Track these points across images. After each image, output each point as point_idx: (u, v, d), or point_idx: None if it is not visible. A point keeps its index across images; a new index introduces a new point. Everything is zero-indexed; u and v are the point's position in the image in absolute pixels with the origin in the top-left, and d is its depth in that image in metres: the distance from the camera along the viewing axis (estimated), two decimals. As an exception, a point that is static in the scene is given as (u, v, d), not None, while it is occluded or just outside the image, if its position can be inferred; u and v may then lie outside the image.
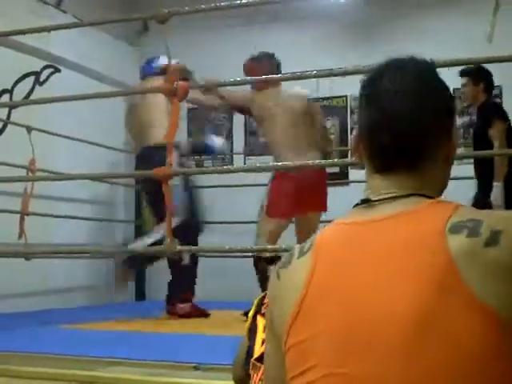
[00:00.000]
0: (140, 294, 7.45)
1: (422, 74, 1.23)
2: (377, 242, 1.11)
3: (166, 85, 3.50)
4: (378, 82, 1.23)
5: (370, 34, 7.04)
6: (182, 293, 5.24)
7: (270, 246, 4.25)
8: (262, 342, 1.81)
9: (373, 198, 1.19)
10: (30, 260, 5.19)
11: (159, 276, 6.98)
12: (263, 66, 4.92)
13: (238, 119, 7.57)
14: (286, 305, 1.15)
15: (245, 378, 1.98)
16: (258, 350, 1.82)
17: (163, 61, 5.01)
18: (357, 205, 1.22)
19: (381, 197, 1.18)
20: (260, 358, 1.78)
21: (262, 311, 1.86)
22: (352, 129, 7.24)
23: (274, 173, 4.85)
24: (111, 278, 7.30)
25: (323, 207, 5.01)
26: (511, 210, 1.17)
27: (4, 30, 4.77)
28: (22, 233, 5.33)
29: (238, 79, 4.25)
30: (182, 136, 7.28)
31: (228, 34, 7.47)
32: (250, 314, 1.90)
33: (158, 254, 4.28)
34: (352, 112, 7.24)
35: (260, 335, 1.85)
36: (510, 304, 1.01)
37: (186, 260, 4.98)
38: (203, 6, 3.89)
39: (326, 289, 1.12)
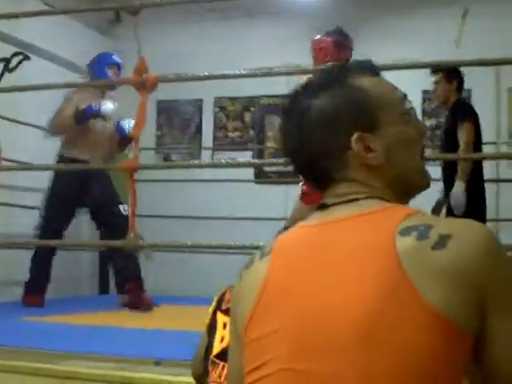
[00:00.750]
0: (104, 288, 7.39)
1: (323, 93, 1.25)
2: (330, 244, 1.13)
3: (135, 77, 3.46)
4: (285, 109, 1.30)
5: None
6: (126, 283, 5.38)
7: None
8: (222, 339, 1.84)
9: (329, 203, 1.21)
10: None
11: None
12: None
13: (208, 114, 7.56)
14: (245, 303, 1.18)
15: (203, 374, 1.98)
16: (217, 346, 1.83)
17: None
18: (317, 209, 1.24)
19: (337, 200, 1.21)
20: (219, 355, 1.78)
21: (222, 307, 1.88)
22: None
23: None
24: (76, 271, 7.26)
25: None
26: (467, 218, 1.17)
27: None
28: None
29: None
30: (150, 129, 7.28)
31: (203, 27, 7.43)
32: (210, 309, 1.91)
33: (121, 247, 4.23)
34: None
35: (219, 332, 1.86)
36: (463, 313, 1.02)
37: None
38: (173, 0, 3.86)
39: (281, 288, 1.14)
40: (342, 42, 4.67)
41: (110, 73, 5.72)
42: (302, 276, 1.13)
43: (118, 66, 5.82)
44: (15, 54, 6.56)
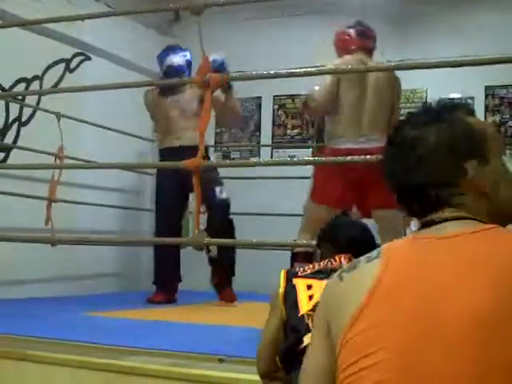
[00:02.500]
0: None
1: (431, 123, 1.34)
2: (448, 254, 1.21)
3: (199, 77, 3.48)
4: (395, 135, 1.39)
5: (397, 30, 6.99)
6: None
7: (303, 241, 4.08)
8: (310, 297, 2.01)
9: (437, 220, 1.30)
10: (55, 246, 5.22)
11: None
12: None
13: (266, 111, 7.56)
14: (349, 305, 1.22)
15: (270, 364, 2.02)
16: (305, 304, 2.00)
17: None
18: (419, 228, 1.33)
19: (443, 217, 1.30)
20: (313, 310, 1.89)
21: (299, 274, 2.10)
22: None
23: (325, 148, 4.55)
24: (137, 265, 7.35)
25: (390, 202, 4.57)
26: None
27: (38, 17, 4.78)
28: (48, 219, 5.35)
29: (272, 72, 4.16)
30: (210, 127, 7.31)
31: (259, 26, 7.44)
32: (281, 280, 2.09)
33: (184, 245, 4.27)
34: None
35: (303, 293, 2.03)
36: None
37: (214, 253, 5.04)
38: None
39: (396, 287, 1.20)
40: (365, 31, 4.75)
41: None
42: (419, 282, 1.19)
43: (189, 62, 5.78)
44: (76, 55, 6.67)
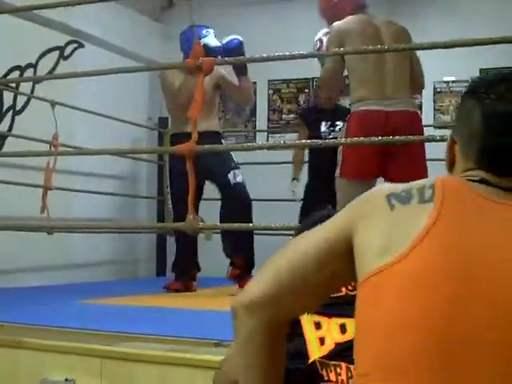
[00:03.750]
0: (161, 270, 7.47)
1: None
2: (506, 223, 1.15)
3: (191, 61, 3.46)
4: (490, 93, 1.28)
5: (393, 8, 6.96)
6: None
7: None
8: (321, 341, 1.74)
9: (491, 181, 1.23)
10: (52, 234, 5.22)
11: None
12: None
13: (262, 97, 7.54)
14: (393, 242, 1.16)
15: None
16: (316, 350, 1.73)
17: None
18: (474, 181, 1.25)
19: (501, 184, 1.23)
20: (327, 357, 1.69)
21: None
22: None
23: (350, 115, 4.14)
24: (134, 253, 7.36)
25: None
26: None
27: (28, 4, 4.75)
28: (44, 207, 5.34)
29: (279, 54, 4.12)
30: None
31: (254, 9, 7.41)
32: None
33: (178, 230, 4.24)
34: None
35: (311, 334, 1.76)
36: None
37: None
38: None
39: (443, 246, 1.13)
40: None
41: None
42: (473, 239, 1.13)
43: None
44: (69, 43, 6.65)
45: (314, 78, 7.26)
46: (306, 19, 7.06)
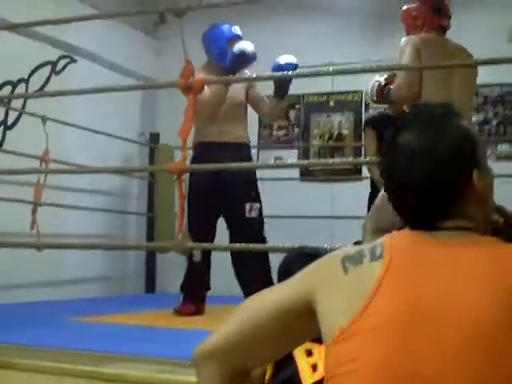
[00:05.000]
0: (150, 287, 7.46)
1: (436, 129, 1.32)
2: (450, 263, 1.22)
3: (181, 80, 3.47)
4: (402, 139, 1.33)
5: (387, 28, 6.99)
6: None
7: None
8: (313, 368, 1.76)
9: (439, 226, 1.30)
10: (41, 251, 5.20)
11: (169, 269, 7.00)
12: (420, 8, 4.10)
13: (253, 112, 7.53)
14: (349, 303, 1.22)
15: None
16: (308, 376, 1.75)
17: None
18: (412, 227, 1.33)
19: (443, 225, 1.30)
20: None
21: None
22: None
23: None
24: (125, 269, 7.34)
25: None
26: None
27: (23, 19, 4.76)
28: (34, 223, 5.34)
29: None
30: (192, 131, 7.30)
31: (248, 23, 7.42)
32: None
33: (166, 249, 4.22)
34: (366, 107, 7.22)
35: (302, 360, 1.78)
36: None
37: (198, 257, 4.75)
38: (219, 1, 3.87)
39: (394, 296, 1.20)
40: (440, 7, 4.15)
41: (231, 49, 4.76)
42: (421, 288, 1.19)
43: (240, 39, 4.88)
44: (62, 57, 6.65)
45: (304, 95, 7.30)
46: (298, 35, 7.12)
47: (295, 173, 7.18)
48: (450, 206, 1.30)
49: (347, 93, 7.25)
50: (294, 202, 6.84)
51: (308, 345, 1.78)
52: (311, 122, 7.39)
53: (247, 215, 4.67)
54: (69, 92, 4.70)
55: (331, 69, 4.05)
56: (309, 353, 1.79)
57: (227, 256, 4.74)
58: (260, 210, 4.76)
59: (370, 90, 4.50)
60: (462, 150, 1.31)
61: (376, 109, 6.84)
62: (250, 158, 4.98)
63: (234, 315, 1.37)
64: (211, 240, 4.74)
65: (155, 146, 7.31)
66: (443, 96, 3.87)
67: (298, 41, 6.94)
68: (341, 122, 7.32)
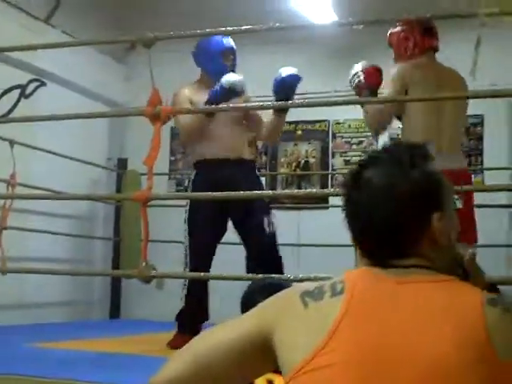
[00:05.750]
0: (115, 312, 7.42)
1: (397, 172, 1.34)
2: (409, 302, 1.24)
3: (149, 109, 3.50)
4: (357, 179, 1.37)
5: (354, 59, 7.08)
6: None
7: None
8: None
9: (396, 264, 1.32)
10: (5, 274, 5.16)
11: (135, 294, 6.97)
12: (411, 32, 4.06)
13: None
14: (308, 338, 1.23)
15: None
16: None
17: None
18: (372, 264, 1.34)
19: (400, 263, 1.32)
20: None
21: None
22: (333, 153, 7.32)
23: None
24: (89, 293, 7.29)
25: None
26: None
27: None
28: (-2, 246, 5.29)
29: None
30: (164, 155, 7.33)
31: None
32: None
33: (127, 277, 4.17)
34: (333, 136, 7.31)
35: None
36: None
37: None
38: (188, 32, 3.92)
39: (354, 333, 1.21)
40: (429, 27, 4.09)
41: (225, 62, 4.65)
42: (379, 327, 1.21)
43: (233, 52, 4.77)
44: (31, 81, 6.65)
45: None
46: (264, 63, 7.19)
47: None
48: (406, 245, 1.32)
49: (314, 122, 7.34)
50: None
51: (269, 375, 1.77)
52: (279, 150, 7.45)
53: (267, 230, 4.46)
54: (36, 118, 4.71)
55: (305, 100, 4.09)
56: (270, 383, 1.81)
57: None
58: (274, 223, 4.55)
59: (350, 77, 4.26)
60: (423, 192, 1.33)
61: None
62: (255, 175, 4.70)
63: (188, 350, 1.38)
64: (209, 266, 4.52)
65: (122, 172, 7.32)
66: (432, 125, 3.87)
67: (268, 71, 7.00)
68: (308, 150, 7.39)
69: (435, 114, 3.89)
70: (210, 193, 3.83)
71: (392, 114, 4.03)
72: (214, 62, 4.60)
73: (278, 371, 1.71)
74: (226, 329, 1.37)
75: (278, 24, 3.83)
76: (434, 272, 1.30)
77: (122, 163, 7.48)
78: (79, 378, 3.05)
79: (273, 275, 2.29)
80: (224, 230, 4.67)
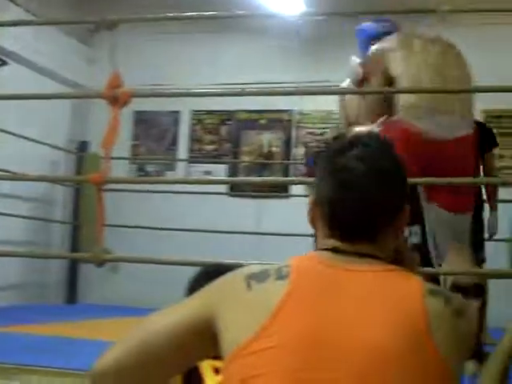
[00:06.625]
0: (71, 297, 7.35)
1: (384, 155, 1.36)
2: (355, 291, 1.25)
3: (108, 91, 3.44)
4: (341, 158, 1.34)
5: (319, 50, 7.10)
6: None
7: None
8: None
9: (348, 250, 1.32)
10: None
11: (93, 279, 6.93)
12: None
13: (184, 126, 7.58)
14: (251, 320, 1.23)
15: None
16: None
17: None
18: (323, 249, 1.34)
19: (351, 250, 1.32)
20: None
21: None
22: (296, 143, 7.33)
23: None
24: (46, 276, 7.22)
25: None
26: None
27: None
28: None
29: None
30: (126, 139, 7.29)
31: (181, 40, 7.45)
32: None
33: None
34: (297, 127, 7.32)
35: (210, 380, 1.77)
36: (459, 365, 1.27)
37: None
38: (153, 16, 3.89)
39: (296, 317, 1.21)
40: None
41: None
42: (322, 308, 1.23)
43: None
44: (-7, 60, 6.55)
45: (236, 111, 7.34)
46: (232, 51, 7.18)
47: (224, 187, 7.22)
48: (377, 230, 1.33)
49: (279, 111, 7.34)
50: (221, 216, 6.87)
51: (215, 363, 1.75)
52: (242, 138, 7.44)
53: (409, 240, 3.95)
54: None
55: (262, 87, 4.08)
56: (217, 371, 1.77)
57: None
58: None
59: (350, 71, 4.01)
60: (404, 182, 1.37)
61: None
62: None
63: (132, 335, 1.37)
64: None
65: (83, 155, 7.25)
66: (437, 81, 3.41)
67: (226, 60, 7.01)
68: (271, 139, 7.40)
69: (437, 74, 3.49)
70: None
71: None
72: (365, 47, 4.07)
73: (219, 357, 1.75)
74: (170, 312, 1.36)
75: (242, 12, 3.80)
76: (383, 262, 1.31)
77: (84, 146, 7.41)
78: (27, 363, 3.01)
79: (225, 261, 2.26)
80: None
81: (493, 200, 4.89)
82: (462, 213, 3.50)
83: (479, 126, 4.04)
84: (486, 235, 4.70)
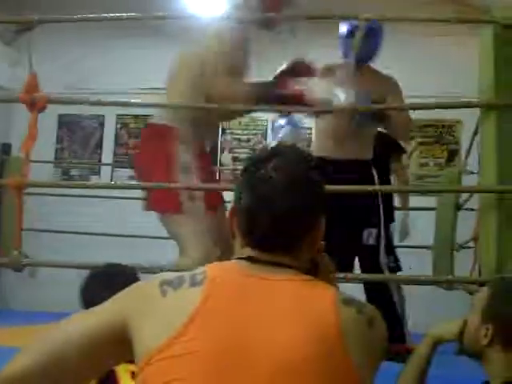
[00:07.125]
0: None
1: (301, 167, 1.38)
2: (269, 299, 1.27)
3: (25, 95, 3.38)
4: (260, 169, 1.36)
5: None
6: None
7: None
8: None
9: (263, 259, 1.34)
10: None
11: (15, 284, 6.80)
12: None
13: (109, 130, 7.53)
14: (165, 327, 1.24)
15: None
16: None
17: None
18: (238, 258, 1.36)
19: (266, 259, 1.34)
20: None
21: None
22: (222, 149, 7.34)
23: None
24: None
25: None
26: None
27: None
28: None
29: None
30: (50, 142, 7.18)
31: (107, 43, 7.38)
32: None
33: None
34: (223, 132, 7.33)
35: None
36: (372, 372, 1.29)
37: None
38: (72, 17, 3.83)
39: (210, 325, 1.23)
40: None
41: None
42: (236, 317, 1.24)
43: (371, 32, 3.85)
44: None
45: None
46: (161, 55, 7.14)
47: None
48: (293, 241, 1.36)
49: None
50: (142, 221, 6.81)
51: (131, 366, 1.78)
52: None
53: (365, 242, 3.99)
54: None
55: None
56: (133, 375, 1.79)
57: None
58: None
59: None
60: (320, 194, 1.40)
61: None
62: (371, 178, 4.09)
63: (39, 342, 1.34)
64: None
65: (6, 158, 7.11)
66: None
67: (154, 64, 6.96)
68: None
69: None
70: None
71: None
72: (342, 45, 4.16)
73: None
74: (80, 320, 1.36)
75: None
76: (297, 272, 1.33)
77: (6, 148, 7.28)
78: None
79: (114, 262, 2.24)
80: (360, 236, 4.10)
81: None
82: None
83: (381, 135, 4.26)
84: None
